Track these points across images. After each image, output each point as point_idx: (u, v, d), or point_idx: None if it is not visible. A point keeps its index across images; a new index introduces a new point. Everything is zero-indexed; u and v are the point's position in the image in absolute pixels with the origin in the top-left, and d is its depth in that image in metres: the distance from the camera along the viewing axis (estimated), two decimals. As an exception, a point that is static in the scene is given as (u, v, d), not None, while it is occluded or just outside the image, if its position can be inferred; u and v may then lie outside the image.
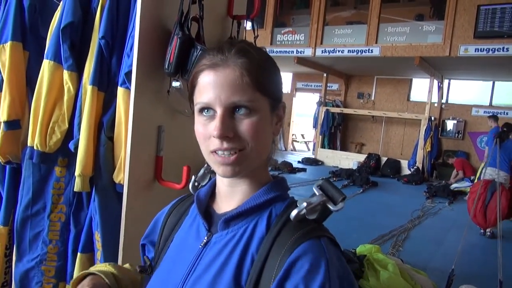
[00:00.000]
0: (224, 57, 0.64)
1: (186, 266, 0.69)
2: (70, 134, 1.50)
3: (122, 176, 1.39)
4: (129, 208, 1.36)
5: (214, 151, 0.65)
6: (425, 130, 10.24)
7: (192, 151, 1.56)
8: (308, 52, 10.53)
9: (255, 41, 1.62)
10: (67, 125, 1.48)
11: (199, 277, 0.66)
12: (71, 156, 1.51)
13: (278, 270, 0.58)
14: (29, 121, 1.53)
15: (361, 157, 11.44)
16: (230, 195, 0.71)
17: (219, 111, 0.63)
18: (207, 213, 0.73)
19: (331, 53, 10.20)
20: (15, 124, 1.62)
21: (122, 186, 1.37)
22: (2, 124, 1.61)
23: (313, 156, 12.38)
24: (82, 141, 1.40)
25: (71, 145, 1.45)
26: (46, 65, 1.47)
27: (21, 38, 1.60)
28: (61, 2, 1.50)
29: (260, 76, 0.64)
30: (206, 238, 0.69)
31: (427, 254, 4.55)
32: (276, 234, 0.63)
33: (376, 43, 9.58)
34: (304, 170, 10.29)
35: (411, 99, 12.28)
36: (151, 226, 0.87)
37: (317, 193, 0.64)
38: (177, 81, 1.38)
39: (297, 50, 10.65)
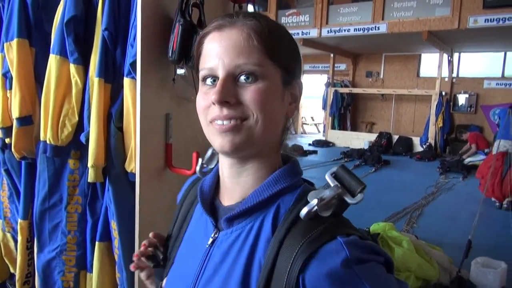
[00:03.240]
0: (232, 19, 0.58)
1: (196, 265, 0.64)
2: (81, 127, 1.52)
3: (133, 165, 1.41)
4: (142, 196, 1.39)
5: (213, 120, 0.57)
6: (436, 105, 10.10)
7: (201, 137, 1.58)
8: (313, 33, 10.41)
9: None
10: (77, 118, 1.51)
11: (209, 280, 0.61)
12: (83, 148, 1.54)
13: (289, 278, 0.51)
14: (40, 116, 1.56)
15: (372, 137, 11.37)
16: (232, 187, 0.64)
17: (221, 74, 0.56)
18: (213, 206, 0.67)
19: (337, 33, 10.06)
20: (27, 120, 1.65)
21: (134, 174, 1.40)
22: (14, 121, 1.65)
23: (324, 138, 12.34)
24: (93, 132, 1.42)
25: (82, 137, 1.48)
26: (53, 60, 1.49)
27: (27, 34, 1.62)
28: (63, -4, 1.51)
29: (270, 40, 0.57)
30: (212, 235, 0.63)
31: (442, 230, 4.54)
32: (284, 235, 0.54)
33: (382, 19, 9.41)
34: (315, 152, 10.27)
35: (420, 75, 12.10)
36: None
37: (331, 184, 0.55)
38: (182, 68, 1.39)
39: (302, 32, 10.53)
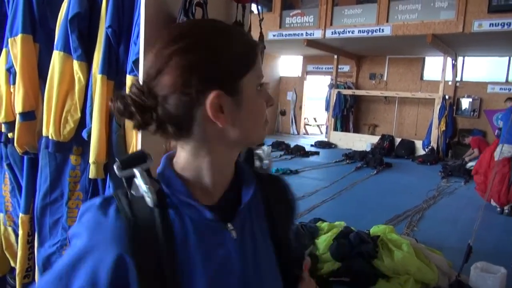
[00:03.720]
0: None
1: (232, 263, 0.66)
2: (83, 123, 1.53)
3: (134, 162, 1.42)
4: (142, 193, 1.40)
5: (267, 119, 0.70)
6: (439, 109, 10.09)
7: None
8: (317, 34, 10.40)
9: (260, 25, 1.62)
10: (79, 114, 1.52)
11: (257, 263, 0.68)
12: (85, 145, 1.54)
13: (287, 206, 0.81)
14: (43, 112, 1.57)
15: (375, 139, 11.36)
16: (223, 180, 0.69)
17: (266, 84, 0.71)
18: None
19: (341, 34, 10.06)
20: (30, 115, 1.66)
21: (135, 172, 1.40)
22: (17, 115, 1.66)
23: (326, 139, 12.34)
24: (95, 129, 1.43)
25: (84, 134, 1.49)
26: (56, 56, 1.50)
27: (31, 30, 1.62)
28: (68, -7, 1.51)
29: None
30: (233, 229, 0.66)
31: (443, 234, 4.54)
32: (266, 193, 0.76)
33: (387, 22, 9.41)
34: (317, 153, 10.28)
35: (424, 78, 12.08)
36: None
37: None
38: (184, 67, 1.39)
39: (306, 33, 10.53)
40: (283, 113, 14.47)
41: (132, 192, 0.63)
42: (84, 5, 1.46)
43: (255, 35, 1.71)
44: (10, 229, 1.94)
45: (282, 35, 10.96)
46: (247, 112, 0.64)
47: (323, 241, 3.40)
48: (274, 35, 10.99)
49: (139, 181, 0.63)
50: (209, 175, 0.66)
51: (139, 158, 0.65)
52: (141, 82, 0.63)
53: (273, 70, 14.61)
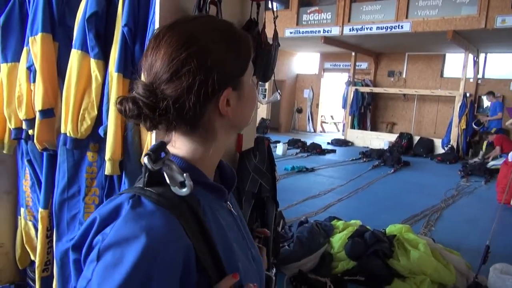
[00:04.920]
0: None
1: (240, 236, 0.76)
2: (99, 120, 1.56)
3: (149, 159, 1.44)
4: (157, 190, 1.41)
5: None
6: (460, 107, 9.87)
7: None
8: (335, 31, 10.31)
9: (274, 22, 1.62)
10: (96, 112, 1.54)
11: (249, 235, 0.80)
12: (102, 141, 1.57)
13: None
14: (61, 109, 1.60)
15: (393, 137, 11.20)
16: (217, 162, 0.76)
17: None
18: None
19: (359, 31, 9.95)
20: (49, 113, 1.70)
21: (150, 168, 1.42)
22: (37, 113, 1.70)
23: (343, 137, 12.23)
24: (111, 126, 1.46)
25: (100, 131, 1.52)
26: (74, 54, 1.53)
27: (51, 29, 1.66)
28: (86, -7, 1.54)
29: None
30: (231, 207, 0.78)
31: (461, 234, 4.45)
32: None
33: (406, 18, 9.25)
34: (333, 151, 10.21)
35: (444, 76, 11.85)
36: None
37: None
38: (198, 65, 1.40)
39: (324, 30, 10.45)
40: (299, 110, 14.41)
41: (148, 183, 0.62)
42: (102, 4, 1.49)
43: (269, 33, 1.71)
44: (30, 224, 1.99)
45: (299, 32, 10.90)
46: (246, 102, 0.70)
47: (338, 240, 3.38)
48: (291, 32, 10.94)
49: (174, 171, 0.61)
50: (213, 159, 0.73)
51: (161, 148, 0.63)
52: (151, 84, 0.63)
53: (289, 68, 14.55)
